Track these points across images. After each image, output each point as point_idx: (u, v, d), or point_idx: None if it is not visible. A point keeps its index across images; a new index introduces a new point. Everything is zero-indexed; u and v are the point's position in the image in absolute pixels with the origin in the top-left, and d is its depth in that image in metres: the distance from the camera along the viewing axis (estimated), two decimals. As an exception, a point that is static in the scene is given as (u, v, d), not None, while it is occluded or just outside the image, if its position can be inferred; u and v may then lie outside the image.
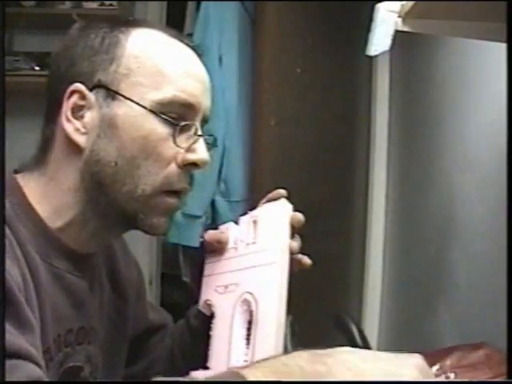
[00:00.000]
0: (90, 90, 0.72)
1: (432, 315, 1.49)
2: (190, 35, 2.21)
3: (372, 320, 2.18)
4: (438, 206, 1.56)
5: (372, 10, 0.87)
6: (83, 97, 0.72)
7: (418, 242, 1.74)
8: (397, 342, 1.93)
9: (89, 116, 0.72)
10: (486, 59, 1.22)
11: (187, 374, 0.71)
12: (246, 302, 0.71)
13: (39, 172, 0.74)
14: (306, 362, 0.55)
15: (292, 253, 0.74)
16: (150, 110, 0.71)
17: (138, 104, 0.71)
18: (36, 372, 0.55)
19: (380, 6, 0.85)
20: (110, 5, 2.42)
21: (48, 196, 0.73)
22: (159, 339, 0.94)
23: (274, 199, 0.79)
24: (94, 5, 2.42)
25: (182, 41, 0.77)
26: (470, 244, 1.29)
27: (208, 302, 0.79)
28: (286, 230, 0.73)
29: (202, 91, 0.76)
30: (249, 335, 0.70)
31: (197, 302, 0.86)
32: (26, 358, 0.56)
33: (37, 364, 0.56)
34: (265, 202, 0.81)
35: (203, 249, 0.85)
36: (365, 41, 0.88)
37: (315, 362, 0.55)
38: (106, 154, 0.71)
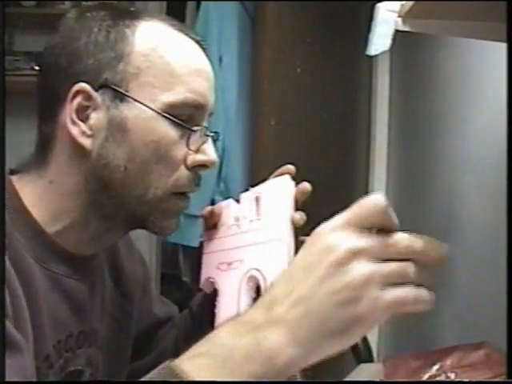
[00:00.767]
0: (96, 89, 0.68)
1: (432, 315, 1.49)
2: (190, 35, 2.22)
3: (372, 320, 2.18)
4: (438, 205, 1.56)
5: (372, 9, 0.87)
6: (89, 97, 0.68)
7: (417, 241, 1.73)
8: (397, 343, 1.93)
9: (95, 117, 0.69)
10: (486, 59, 1.21)
11: None
12: (253, 279, 0.69)
13: (38, 174, 0.71)
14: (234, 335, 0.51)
15: (295, 225, 0.70)
16: (162, 114, 0.68)
17: (148, 107, 0.68)
18: (21, 364, 0.55)
19: (380, 6, 0.85)
20: (110, 5, 2.42)
21: (46, 199, 0.70)
22: (166, 332, 0.93)
23: (278, 175, 0.76)
24: (94, 5, 2.42)
25: (187, 34, 0.74)
26: (470, 244, 1.29)
27: (210, 280, 0.77)
28: (291, 205, 0.71)
29: (209, 89, 0.73)
30: None
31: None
32: (13, 348, 0.54)
33: None
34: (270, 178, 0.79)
35: (203, 226, 0.84)
36: (365, 41, 0.88)
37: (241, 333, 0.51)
38: (114, 157, 0.68)
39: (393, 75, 2.18)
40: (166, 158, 0.69)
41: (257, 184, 0.78)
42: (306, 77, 2.04)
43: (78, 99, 0.68)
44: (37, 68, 0.73)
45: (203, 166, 0.73)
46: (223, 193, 2.16)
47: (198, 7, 2.21)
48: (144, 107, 0.68)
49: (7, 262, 0.60)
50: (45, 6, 2.45)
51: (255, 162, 1.97)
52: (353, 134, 2.29)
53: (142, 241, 2.43)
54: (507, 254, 0.67)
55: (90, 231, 0.73)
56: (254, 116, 1.98)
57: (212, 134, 0.75)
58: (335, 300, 0.48)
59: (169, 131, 0.69)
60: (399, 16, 0.84)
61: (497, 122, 1.13)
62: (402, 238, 0.51)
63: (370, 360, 1.32)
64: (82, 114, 0.69)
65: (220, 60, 2.13)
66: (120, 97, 0.68)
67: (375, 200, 0.51)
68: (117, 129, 0.68)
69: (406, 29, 0.85)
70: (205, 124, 0.74)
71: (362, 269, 0.48)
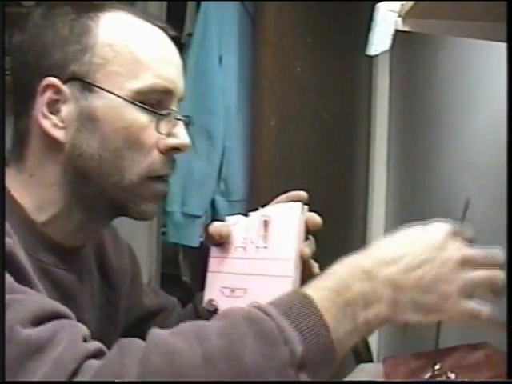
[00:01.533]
0: (64, 82, 0.70)
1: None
2: (190, 35, 2.22)
3: (372, 320, 2.18)
4: (437, 205, 1.56)
5: (372, 9, 0.87)
6: (58, 91, 0.70)
7: (417, 241, 1.73)
8: (397, 342, 1.93)
9: (65, 110, 0.70)
10: (486, 59, 1.21)
11: None
12: None
13: (17, 168, 0.73)
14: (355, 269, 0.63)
15: (303, 258, 0.72)
16: (130, 101, 0.70)
17: (116, 95, 0.70)
18: (81, 327, 0.58)
19: (380, 6, 0.85)
20: (110, 5, 2.42)
21: (29, 192, 0.72)
22: (158, 324, 0.92)
23: (291, 200, 0.76)
24: (94, 5, 2.42)
25: (153, 23, 0.75)
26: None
27: (213, 303, 0.76)
28: (301, 236, 0.70)
29: (177, 75, 0.76)
30: None
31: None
32: (64, 316, 0.58)
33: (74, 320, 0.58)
34: (280, 201, 0.78)
35: (206, 242, 0.84)
36: (365, 41, 0.88)
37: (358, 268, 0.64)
38: (88, 147, 0.70)
39: (393, 75, 2.18)
40: (137, 143, 0.71)
41: (265, 204, 0.77)
42: (305, 77, 2.04)
43: (48, 93, 0.70)
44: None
45: (176, 149, 0.75)
46: (223, 193, 2.16)
47: (198, 7, 2.20)
48: (112, 96, 0.70)
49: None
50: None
51: (255, 161, 1.97)
52: (353, 134, 2.29)
53: (143, 241, 2.43)
54: (507, 254, 0.67)
55: (75, 221, 0.74)
56: (254, 116, 1.98)
57: (183, 118, 0.76)
58: (444, 286, 0.61)
59: (138, 117, 0.71)
60: (399, 16, 0.84)
61: (497, 122, 1.13)
62: (498, 254, 0.65)
63: (370, 360, 1.32)
64: (53, 107, 0.71)
65: (220, 60, 2.13)
66: (88, 88, 0.70)
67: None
68: (87, 119, 0.70)
69: (406, 29, 0.85)
70: (175, 108, 0.75)
71: (474, 275, 0.62)
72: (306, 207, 0.73)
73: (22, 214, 0.71)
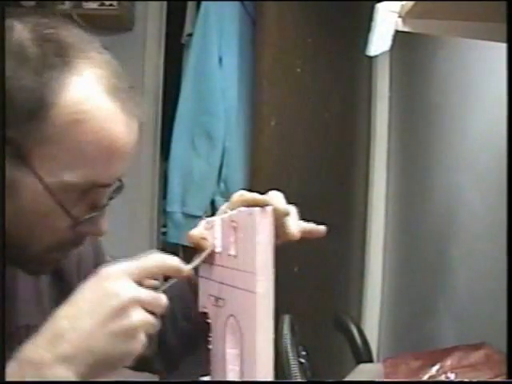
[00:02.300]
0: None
1: (432, 315, 1.49)
2: (190, 35, 2.22)
3: (372, 320, 2.18)
4: (437, 205, 1.56)
5: (372, 9, 0.87)
6: None
7: (417, 242, 1.74)
8: (397, 342, 1.93)
9: None
10: (486, 59, 1.22)
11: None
12: (232, 326, 0.68)
13: None
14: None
15: (294, 238, 0.72)
16: (54, 196, 0.65)
17: (44, 183, 0.64)
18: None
19: (380, 6, 0.85)
20: (110, 5, 2.42)
21: None
22: None
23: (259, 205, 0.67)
24: (94, 5, 2.42)
25: (117, 94, 0.67)
26: (470, 244, 1.29)
27: (205, 310, 0.76)
28: (270, 251, 0.65)
29: (120, 166, 0.69)
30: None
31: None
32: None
33: None
34: (248, 200, 0.71)
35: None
36: (365, 41, 0.88)
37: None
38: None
39: (393, 75, 2.18)
40: (49, 228, 0.68)
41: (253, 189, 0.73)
42: (306, 77, 2.04)
43: None
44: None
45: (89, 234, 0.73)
46: (223, 193, 2.16)
47: (198, 7, 2.20)
48: (39, 181, 0.64)
49: None
50: (45, 6, 2.45)
51: (255, 162, 1.97)
52: (353, 134, 2.29)
53: (143, 241, 2.43)
54: (507, 255, 0.67)
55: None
56: (255, 116, 1.98)
57: (112, 195, 0.73)
58: (116, 338, 0.58)
59: (58, 209, 0.66)
60: (399, 16, 0.84)
61: (497, 122, 1.13)
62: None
63: (370, 360, 1.32)
64: None
65: (220, 60, 2.13)
66: (21, 156, 0.64)
67: (155, 258, 0.66)
68: (8, 186, 0.64)
69: (406, 29, 0.86)
70: (104, 197, 0.71)
71: (138, 315, 0.59)
72: (270, 208, 0.66)
73: None
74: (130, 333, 0.59)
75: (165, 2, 2.57)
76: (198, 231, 0.75)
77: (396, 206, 2.10)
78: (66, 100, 0.63)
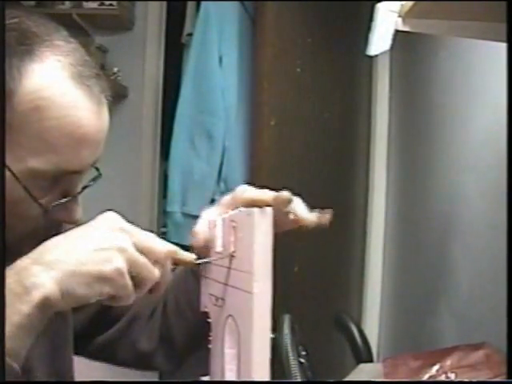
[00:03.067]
0: None
1: (432, 315, 1.49)
2: (190, 35, 2.22)
3: (372, 320, 2.18)
4: (438, 205, 1.56)
5: (372, 9, 0.87)
6: None
7: (417, 241, 1.74)
8: (397, 342, 1.93)
9: None
10: (486, 59, 1.22)
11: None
12: (230, 326, 0.68)
13: None
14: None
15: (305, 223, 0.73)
16: (22, 183, 0.64)
17: (11, 171, 0.63)
18: None
19: (380, 6, 0.85)
20: (110, 5, 2.42)
21: None
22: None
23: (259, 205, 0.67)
24: (94, 5, 2.43)
25: (82, 80, 0.66)
26: (470, 244, 1.29)
27: (206, 310, 0.76)
28: (268, 251, 0.65)
29: (90, 154, 0.69)
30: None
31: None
32: None
33: None
34: (249, 204, 0.71)
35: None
36: (365, 41, 0.88)
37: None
38: None
39: (393, 75, 2.18)
40: (20, 216, 0.66)
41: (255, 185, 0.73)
42: (306, 77, 2.04)
43: None
44: None
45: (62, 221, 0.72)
46: (223, 193, 2.15)
47: (198, 7, 2.20)
48: (7, 170, 0.64)
49: None
50: (45, 6, 2.45)
51: (255, 161, 1.97)
52: (353, 134, 2.29)
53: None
54: (507, 254, 0.67)
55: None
56: (254, 116, 1.98)
57: (87, 184, 0.73)
58: (94, 253, 0.60)
59: (27, 196, 0.66)
60: (399, 16, 0.84)
61: (497, 122, 1.13)
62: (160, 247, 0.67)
63: (370, 360, 1.32)
64: None
65: (220, 60, 2.13)
66: None
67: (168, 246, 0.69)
68: None
69: (406, 29, 0.85)
70: (76, 184, 0.71)
71: (122, 243, 0.62)
72: (270, 209, 0.66)
73: None
74: (108, 255, 0.60)
75: (165, 2, 2.57)
76: (203, 231, 0.76)
77: (396, 206, 2.10)
78: (27, 87, 0.63)
